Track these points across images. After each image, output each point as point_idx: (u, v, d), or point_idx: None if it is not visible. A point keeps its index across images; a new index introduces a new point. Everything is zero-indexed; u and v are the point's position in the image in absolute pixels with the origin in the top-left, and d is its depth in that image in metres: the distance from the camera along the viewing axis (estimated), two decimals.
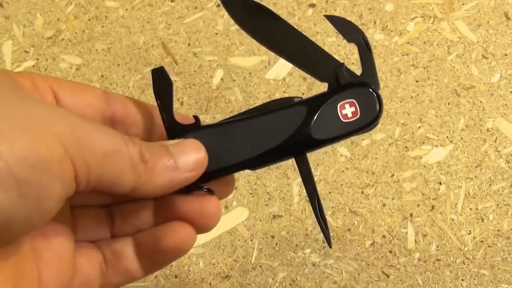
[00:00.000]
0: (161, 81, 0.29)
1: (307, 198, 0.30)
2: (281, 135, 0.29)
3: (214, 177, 0.29)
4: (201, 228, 0.28)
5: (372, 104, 0.30)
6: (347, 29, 0.31)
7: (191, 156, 0.27)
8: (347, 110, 0.29)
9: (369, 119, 0.30)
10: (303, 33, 0.32)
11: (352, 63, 0.65)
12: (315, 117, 0.29)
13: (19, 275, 0.24)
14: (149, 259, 0.29)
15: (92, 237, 0.29)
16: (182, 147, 0.27)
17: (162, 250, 0.28)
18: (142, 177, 0.25)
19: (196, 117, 0.29)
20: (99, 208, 0.30)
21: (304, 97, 0.30)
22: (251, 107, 0.31)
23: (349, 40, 0.31)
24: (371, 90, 0.30)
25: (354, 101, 0.30)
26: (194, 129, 0.29)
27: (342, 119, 0.29)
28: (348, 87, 0.30)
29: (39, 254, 0.25)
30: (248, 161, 0.29)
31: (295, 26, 0.67)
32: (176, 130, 0.29)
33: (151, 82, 0.29)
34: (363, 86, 0.30)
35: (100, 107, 0.28)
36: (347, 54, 0.65)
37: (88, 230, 0.29)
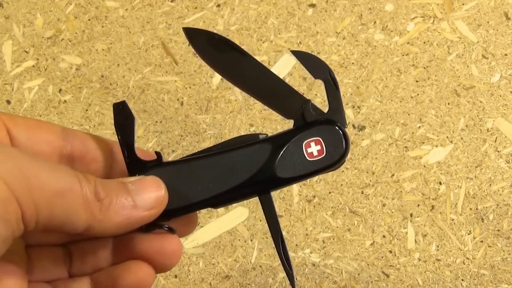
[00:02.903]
0: (123, 116, 0.28)
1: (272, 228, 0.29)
2: (245, 173, 0.28)
3: (176, 215, 0.28)
4: (160, 267, 0.28)
5: (338, 142, 0.29)
6: (314, 66, 0.30)
7: (150, 194, 0.26)
8: (313, 148, 0.29)
9: (335, 157, 0.29)
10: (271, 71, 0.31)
11: (352, 63, 0.65)
12: (280, 155, 0.28)
13: None
14: None
15: (48, 277, 0.28)
16: (142, 184, 0.26)
17: None
18: (97, 215, 0.24)
19: (158, 153, 0.29)
20: (56, 247, 0.29)
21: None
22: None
23: (316, 77, 0.30)
24: (337, 128, 0.29)
25: (320, 139, 0.29)
26: (155, 166, 0.28)
27: (307, 157, 0.29)
28: (314, 124, 0.29)
29: None
30: (211, 199, 0.28)
31: (295, 26, 0.67)
32: (138, 166, 0.28)
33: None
34: (329, 123, 0.29)
35: (57, 144, 0.28)
36: (347, 54, 0.65)
37: (44, 270, 0.28)
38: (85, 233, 0.25)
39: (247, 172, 0.28)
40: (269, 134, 0.30)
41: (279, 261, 0.30)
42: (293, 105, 0.30)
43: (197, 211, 0.30)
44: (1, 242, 0.22)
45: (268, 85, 0.31)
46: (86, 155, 0.28)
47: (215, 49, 0.31)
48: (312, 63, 0.31)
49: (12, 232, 0.22)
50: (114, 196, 0.25)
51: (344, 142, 0.29)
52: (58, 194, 0.23)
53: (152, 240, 0.28)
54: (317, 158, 0.29)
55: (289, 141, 0.29)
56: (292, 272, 0.29)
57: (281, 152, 0.29)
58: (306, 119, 0.30)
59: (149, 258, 0.28)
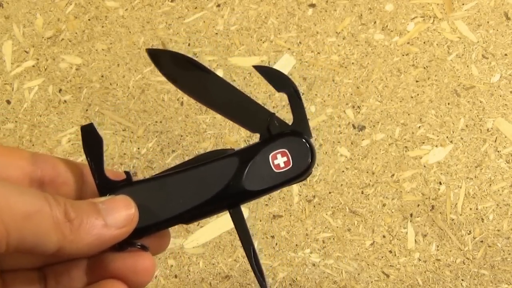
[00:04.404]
0: (91, 138, 0.29)
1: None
2: (214, 188, 0.29)
3: (147, 233, 0.29)
4: (134, 285, 0.28)
5: (304, 153, 0.29)
6: (276, 79, 0.31)
7: (120, 213, 0.27)
8: (279, 160, 0.29)
9: (301, 168, 0.29)
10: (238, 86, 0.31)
11: (352, 63, 0.65)
12: (248, 168, 0.29)
13: None
14: None
15: None
16: (112, 204, 0.27)
17: None
18: (68, 236, 0.25)
19: (127, 173, 0.29)
20: (31, 271, 0.29)
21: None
22: None
23: (279, 90, 0.31)
24: (302, 139, 0.30)
25: (286, 150, 0.29)
26: (125, 185, 0.29)
27: (274, 169, 0.29)
28: (279, 136, 0.30)
29: None
30: (181, 215, 0.29)
31: (295, 26, 0.67)
32: (108, 187, 0.28)
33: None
34: (294, 135, 0.30)
35: (27, 169, 0.28)
36: (347, 54, 0.65)
37: None
38: (57, 254, 0.25)
39: (216, 187, 0.29)
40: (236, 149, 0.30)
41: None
42: (258, 119, 0.31)
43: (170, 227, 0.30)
44: None
45: (233, 101, 0.31)
46: (57, 178, 0.29)
47: (180, 68, 0.31)
48: (275, 77, 0.31)
49: None
50: (84, 216, 0.25)
51: (310, 152, 0.30)
52: (27, 217, 0.23)
53: (125, 258, 0.28)
54: (284, 170, 0.29)
55: (255, 154, 0.29)
56: (265, 284, 0.29)
57: (249, 166, 0.29)
58: (272, 132, 0.30)
59: (123, 276, 0.28)
